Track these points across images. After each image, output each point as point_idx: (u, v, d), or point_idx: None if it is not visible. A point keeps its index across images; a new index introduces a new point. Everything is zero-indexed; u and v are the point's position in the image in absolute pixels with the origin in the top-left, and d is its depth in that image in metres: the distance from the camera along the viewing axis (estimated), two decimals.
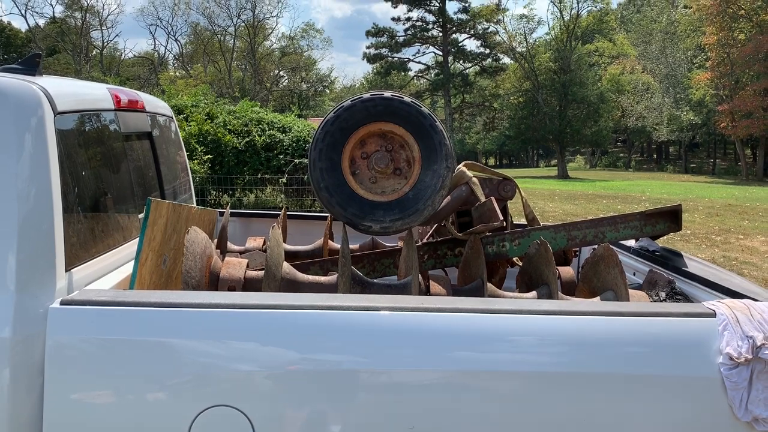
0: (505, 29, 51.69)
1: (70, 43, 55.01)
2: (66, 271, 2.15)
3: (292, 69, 60.28)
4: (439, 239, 3.33)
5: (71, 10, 55.82)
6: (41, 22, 57.48)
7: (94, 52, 59.08)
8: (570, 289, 3.21)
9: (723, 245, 11.56)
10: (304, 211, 9.86)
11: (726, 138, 47.00)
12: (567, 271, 3.36)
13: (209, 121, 12.55)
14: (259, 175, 12.10)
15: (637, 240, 3.46)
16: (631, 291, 2.59)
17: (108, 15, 64.74)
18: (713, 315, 2.10)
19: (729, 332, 2.04)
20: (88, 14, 56.03)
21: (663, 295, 2.78)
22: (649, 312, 2.12)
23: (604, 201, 20.76)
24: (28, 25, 57.22)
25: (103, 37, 59.62)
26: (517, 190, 3.43)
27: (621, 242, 3.51)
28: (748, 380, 1.99)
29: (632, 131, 55.75)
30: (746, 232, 13.23)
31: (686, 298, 2.73)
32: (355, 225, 2.71)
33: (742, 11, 42.03)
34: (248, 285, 2.62)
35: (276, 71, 61.55)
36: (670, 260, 3.09)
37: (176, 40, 64.55)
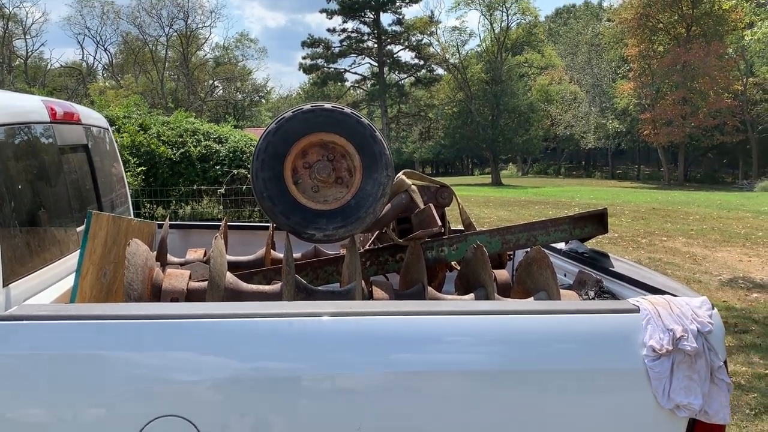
0: (438, 41, 52.81)
1: None
2: (3, 286, 2.10)
3: (227, 79, 59.34)
4: (381, 246, 3.40)
5: None
6: None
7: (18, 62, 56.56)
8: (506, 290, 3.31)
9: (648, 247, 12.13)
10: (243, 222, 9.76)
11: (649, 145, 49.11)
12: (502, 274, 3.47)
13: (142, 132, 12.23)
14: (195, 187, 11.87)
15: (567, 243, 3.63)
16: (562, 291, 2.73)
17: (32, 24, 62.19)
18: (637, 311, 2.24)
19: (652, 326, 2.19)
20: (10, 22, 53.64)
21: (592, 293, 2.92)
22: (579, 309, 2.25)
23: (536, 207, 21.38)
24: None
25: (27, 46, 57.23)
26: (454, 197, 3.54)
27: (552, 245, 3.67)
28: (669, 370, 2.13)
29: (561, 139, 57.57)
30: (669, 235, 13.91)
31: (613, 296, 2.88)
32: (298, 233, 2.75)
33: (661, 24, 44.36)
34: (191, 296, 2.61)
35: (210, 81, 60.52)
36: (598, 261, 3.25)
37: (105, 49, 62.45)
